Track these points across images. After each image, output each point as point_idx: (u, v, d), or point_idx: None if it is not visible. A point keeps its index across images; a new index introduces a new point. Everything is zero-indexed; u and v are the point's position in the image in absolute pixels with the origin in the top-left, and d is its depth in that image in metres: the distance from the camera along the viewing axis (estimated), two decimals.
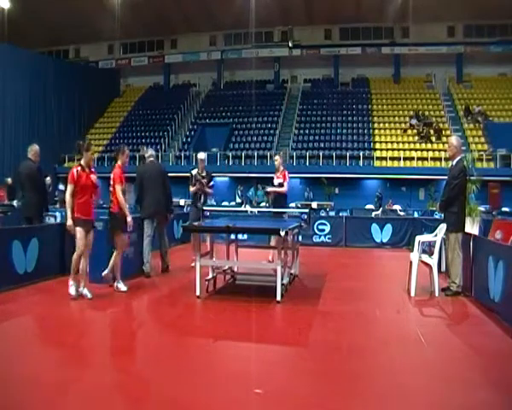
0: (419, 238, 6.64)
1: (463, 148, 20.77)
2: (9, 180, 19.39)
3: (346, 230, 11.94)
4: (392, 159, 23.82)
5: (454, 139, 6.79)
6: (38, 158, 7.63)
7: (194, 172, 8.39)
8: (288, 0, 26.53)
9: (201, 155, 8.61)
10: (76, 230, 5.69)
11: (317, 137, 26.22)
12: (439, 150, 23.06)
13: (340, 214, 14.96)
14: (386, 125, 26.29)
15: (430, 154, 23.45)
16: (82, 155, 5.89)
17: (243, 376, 3.61)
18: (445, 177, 6.65)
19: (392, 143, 24.87)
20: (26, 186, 7.45)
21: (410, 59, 28.14)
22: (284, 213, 8.27)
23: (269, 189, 8.74)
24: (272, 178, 8.64)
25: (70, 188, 5.74)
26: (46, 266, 6.75)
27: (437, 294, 6.21)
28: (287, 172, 8.50)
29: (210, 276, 6.27)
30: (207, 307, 5.64)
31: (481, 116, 25.10)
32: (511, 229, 8.14)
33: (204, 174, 8.37)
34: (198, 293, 5.84)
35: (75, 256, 5.68)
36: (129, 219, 6.06)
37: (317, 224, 12.03)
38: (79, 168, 5.82)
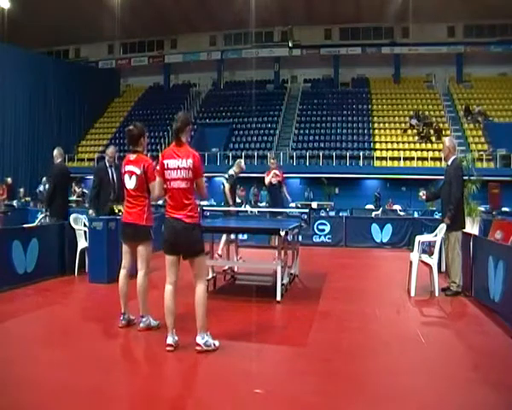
0: (419, 238, 6.64)
1: (463, 148, 20.93)
2: (9, 180, 19.41)
3: (346, 230, 11.94)
4: (392, 159, 23.82)
5: (447, 140, 6.79)
6: None
7: None
8: (287, 0, 26.54)
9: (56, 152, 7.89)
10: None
11: (317, 137, 26.22)
12: (439, 150, 23.00)
13: (340, 214, 14.96)
14: (386, 125, 26.29)
15: (430, 154, 23.46)
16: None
17: (243, 375, 3.61)
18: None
19: (392, 143, 24.87)
20: (66, 186, 7.87)
21: (410, 59, 28.18)
22: (282, 213, 8.34)
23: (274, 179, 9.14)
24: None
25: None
26: (46, 266, 6.75)
27: (437, 294, 6.21)
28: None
29: (210, 276, 6.26)
30: (207, 306, 5.63)
31: (481, 116, 25.10)
32: (511, 229, 8.14)
33: None
34: None
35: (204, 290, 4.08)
36: None
37: (317, 224, 12.03)
38: None
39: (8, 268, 6.05)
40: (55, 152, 7.74)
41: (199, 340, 3.94)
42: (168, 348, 3.94)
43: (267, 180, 9.19)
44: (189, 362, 3.87)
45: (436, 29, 28.08)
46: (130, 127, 4.58)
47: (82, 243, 7.22)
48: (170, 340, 3.96)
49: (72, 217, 7.38)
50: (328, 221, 12.31)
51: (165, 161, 3.93)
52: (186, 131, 4.00)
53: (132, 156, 4.53)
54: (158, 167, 4.00)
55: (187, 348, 4.10)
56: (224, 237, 7.51)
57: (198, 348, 3.93)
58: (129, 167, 4.50)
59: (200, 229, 4.04)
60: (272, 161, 9.64)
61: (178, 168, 3.86)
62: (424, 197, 6.86)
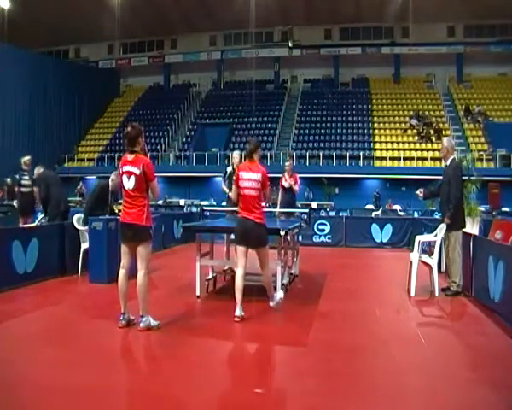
0: (419, 238, 6.63)
1: (463, 148, 20.90)
2: (9, 180, 19.39)
3: (346, 230, 11.94)
4: (392, 159, 23.85)
5: (445, 140, 6.81)
6: None
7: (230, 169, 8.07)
8: (287, 0, 26.54)
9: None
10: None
11: (317, 137, 26.25)
12: (439, 150, 23.00)
13: (340, 214, 14.96)
14: (386, 125, 26.31)
15: (430, 154, 23.49)
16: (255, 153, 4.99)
17: (243, 375, 3.61)
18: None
19: (392, 143, 24.90)
20: (57, 189, 8.09)
21: (410, 59, 28.20)
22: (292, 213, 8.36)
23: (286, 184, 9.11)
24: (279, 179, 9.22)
25: None
26: (46, 266, 6.74)
27: (437, 294, 6.20)
28: (298, 176, 9.21)
29: (210, 276, 6.27)
30: (207, 307, 5.64)
31: (481, 116, 25.12)
32: (511, 229, 8.13)
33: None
34: (198, 293, 5.84)
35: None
36: None
37: (317, 224, 12.02)
38: None
39: (8, 268, 6.04)
40: (36, 170, 8.26)
41: (237, 312, 4.76)
42: (236, 319, 4.72)
43: (286, 184, 9.02)
44: (189, 362, 3.87)
45: (436, 29, 28.10)
46: (128, 129, 4.52)
47: (86, 244, 7.16)
48: (238, 312, 4.74)
49: (75, 217, 7.35)
50: (328, 221, 12.31)
51: (240, 173, 4.89)
52: (257, 152, 4.96)
53: (130, 157, 4.45)
54: (234, 177, 4.92)
55: (187, 347, 4.11)
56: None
57: (236, 319, 4.72)
58: (127, 168, 4.43)
59: (265, 227, 4.97)
60: (287, 163, 9.48)
61: (250, 179, 4.84)
62: (421, 195, 6.81)
